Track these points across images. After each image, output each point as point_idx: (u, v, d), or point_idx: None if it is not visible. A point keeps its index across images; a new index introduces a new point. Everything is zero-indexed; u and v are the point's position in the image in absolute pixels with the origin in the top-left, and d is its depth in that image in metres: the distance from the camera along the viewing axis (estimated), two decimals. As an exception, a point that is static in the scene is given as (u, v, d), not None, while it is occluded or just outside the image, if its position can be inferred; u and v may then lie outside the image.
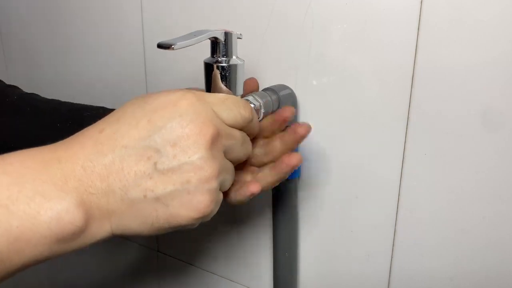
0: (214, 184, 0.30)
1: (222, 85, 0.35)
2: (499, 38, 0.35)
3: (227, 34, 0.34)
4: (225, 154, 0.32)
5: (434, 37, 0.37)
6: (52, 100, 0.48)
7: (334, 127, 0.44)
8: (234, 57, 0.35)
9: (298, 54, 0.44)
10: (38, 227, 0.26)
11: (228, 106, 0.32)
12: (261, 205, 0.52)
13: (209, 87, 0.35)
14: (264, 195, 0.51)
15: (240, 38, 0.35)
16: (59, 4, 0.60)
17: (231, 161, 0.33)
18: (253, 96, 0.38)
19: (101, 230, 0.29)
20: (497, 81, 0.36)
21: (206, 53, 0.36)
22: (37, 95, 0.49)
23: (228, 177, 0.33)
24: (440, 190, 0.41)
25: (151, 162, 0.29)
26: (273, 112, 0.39)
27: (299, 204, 0.49)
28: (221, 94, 0.33)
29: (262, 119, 0.38)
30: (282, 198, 0.47)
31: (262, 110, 0.38)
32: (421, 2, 0.37)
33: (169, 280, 0.65)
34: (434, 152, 0.40)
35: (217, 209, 0.32)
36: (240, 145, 0.33)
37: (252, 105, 0.37)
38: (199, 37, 0.32)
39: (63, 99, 0.48)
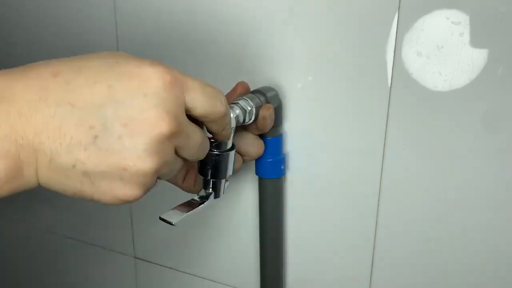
0: (149, 179, 0.28)
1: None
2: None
3: None
4: (178, 150, 0.30)
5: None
6: None
7: (321, 126, 0.45)
8: None
9: (285, 55, 0.44)
10: None
11: (207, 95, 0.30)
12: (244, 203, 0.52)
13: None
14: (250, 192, 0.51)
15: None
16: None
17: (182, 157, 0.32)
18: (245, 100, 0.39)
19: (26, 183, 0.27)
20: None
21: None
22: None
23: (170, 172, 0.31)
24: (421, 196, 0.42)
25: (92, 133, 0.26)
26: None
27: (286, 202, 0.49)
28: (202, 81, 0.30)
29: (253, 120, 0.40)
30: (268, 196, 0.47)
31: (254, 112, 0.39)
32: None
33: None
34: (416, 148, 0.42)
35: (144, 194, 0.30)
36: (196, 147, 0.31)
37: (248, 109, 0.38)
38: None
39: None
